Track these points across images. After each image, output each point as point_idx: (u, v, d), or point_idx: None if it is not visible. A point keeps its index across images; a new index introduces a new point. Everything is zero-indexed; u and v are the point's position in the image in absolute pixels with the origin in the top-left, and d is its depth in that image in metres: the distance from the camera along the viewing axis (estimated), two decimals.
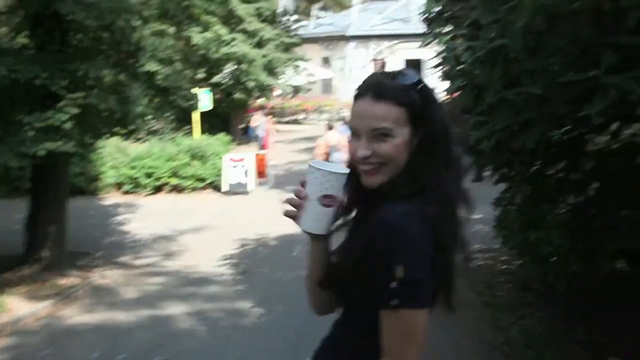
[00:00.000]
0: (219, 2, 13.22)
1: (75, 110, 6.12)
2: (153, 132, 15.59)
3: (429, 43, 5.47)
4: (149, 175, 12.54)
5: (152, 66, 7.19)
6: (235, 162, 12.57)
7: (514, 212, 5.72)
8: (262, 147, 16.47)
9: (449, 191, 1.36)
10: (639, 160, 4.50)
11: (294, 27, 22.75)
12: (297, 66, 21.92)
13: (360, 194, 1.44)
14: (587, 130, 3.71)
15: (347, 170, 1.41)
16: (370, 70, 28.31)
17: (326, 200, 1.38)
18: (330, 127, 10.39)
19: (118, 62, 6.85)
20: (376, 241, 1.26)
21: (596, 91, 2.79)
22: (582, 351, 4.40)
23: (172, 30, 8.47)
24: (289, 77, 22.16)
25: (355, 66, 27.69)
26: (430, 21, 5.43)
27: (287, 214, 1.44)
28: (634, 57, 2.92)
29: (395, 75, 1.39)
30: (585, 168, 4.96)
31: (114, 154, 12.60)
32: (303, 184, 1.43)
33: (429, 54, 5.59)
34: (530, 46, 3.22)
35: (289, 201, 1.44)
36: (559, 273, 4.98)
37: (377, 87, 1.37)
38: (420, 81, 1.37)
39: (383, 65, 27.56)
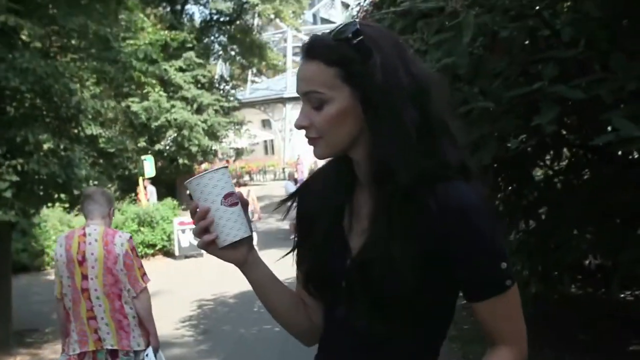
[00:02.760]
0: (155, 67, 13.25)
1: (14, 178, 5.92)
2: None
3: None
4: None
5: (94, 129, 7.07)
6: (186, 225, 12.38)
7: None
8: None
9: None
10: (576, 182, 4.69)
11: (231, 92, 23.06)
12: (238, 129, 22.09)
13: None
14: (537, 146, 3.84)
15: (223, 166, 1.25)
16: None
17: (228, 199, 1.19)
18: (240, 184, 11.76)
19: (58, 126, 6.71)
20: (475, 226, 1.10)
21: (543, 102, 2.90)
22: None
23: (112, 93, 8.40)
24: (231, 140, 22.27)
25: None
26: None
27: (203, 243, 1.21)
28: (571, 69, 3.08)
29: (335, 29, 1.16)
30: (532, 195, 5.10)
31: (58, 227, 12.18)
32: (195, 207, 1.22)
33: None
34: (473, 69, 3.36)
35: (197, 232, 1.21)
36: (521, 296, 5.01)
37: (309, 44, 1.18)
38: (357, 32, 1.12)
39: None
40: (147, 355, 3.33)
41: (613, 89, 2.76)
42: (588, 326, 5.05)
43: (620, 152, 4.20)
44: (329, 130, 1.15)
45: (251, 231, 1.23)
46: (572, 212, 4.40)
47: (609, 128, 2.91)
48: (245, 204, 1.24)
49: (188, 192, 1.23)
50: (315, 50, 1.15)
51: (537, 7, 2.94)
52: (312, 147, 1.19)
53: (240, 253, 1.24)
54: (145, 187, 16.15)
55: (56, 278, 3.38)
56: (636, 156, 4.25)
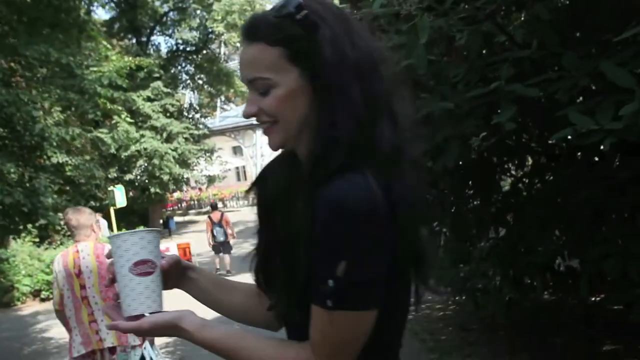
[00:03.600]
0: (121, 93, 13.16)
1: None
2: (68, 236, 14.99)
3: None
4: None
5: (59, 157, 6.98)
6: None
7: (442, 251, 5.82)
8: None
9: (392, 151, 1.02)
10: (540, 185, 4.77)
11: (201, 120, 23.08)
12: (209, 156, 22.06)
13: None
14: (501, 153, 3.88)
15: (152, 229, 1.16)
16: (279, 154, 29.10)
17: (138, 267, 1.11)
18: (213, 207, 13.09)
19: (22, 155, 6.61)
20: (315, 225, 0.96)
21: (501, 101, 2.96)
22: None
23: (78, 122, 8.33)
24: (202, 168, 22.22)
25: (265, 152, 28.31)
26: None
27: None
28: (526, 69, 3.16)
29: (275, 6, 1.05)
30: (499, 202, 5.15)
31: (28, 261, 11.93)
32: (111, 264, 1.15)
33: None
34: (434, 76, 3.41)
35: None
36: (495, 304, 5.04)
37: (248, 25, 1.07)
38: (300, 7, 1.02)
39: None
40: (145, 348, 3.81)
41: (567, 87, 2.82)
42: (562, 330, 5.09)
43: (579, 155, 4.30)
44: (281, 112, 1.05)
45: (160, 307, 1.17)
46: (538, 215, 4.46)
47: None
48: (170, 270, 1.22)
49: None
50: (256, 31, 1.05)
51: (490, 10, 3.00)
52: (267, 137, 1.10)
53: (170, 284, 1.27)
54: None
55: (56, 291, 3.90)
56: (596, 159, 4.33)
